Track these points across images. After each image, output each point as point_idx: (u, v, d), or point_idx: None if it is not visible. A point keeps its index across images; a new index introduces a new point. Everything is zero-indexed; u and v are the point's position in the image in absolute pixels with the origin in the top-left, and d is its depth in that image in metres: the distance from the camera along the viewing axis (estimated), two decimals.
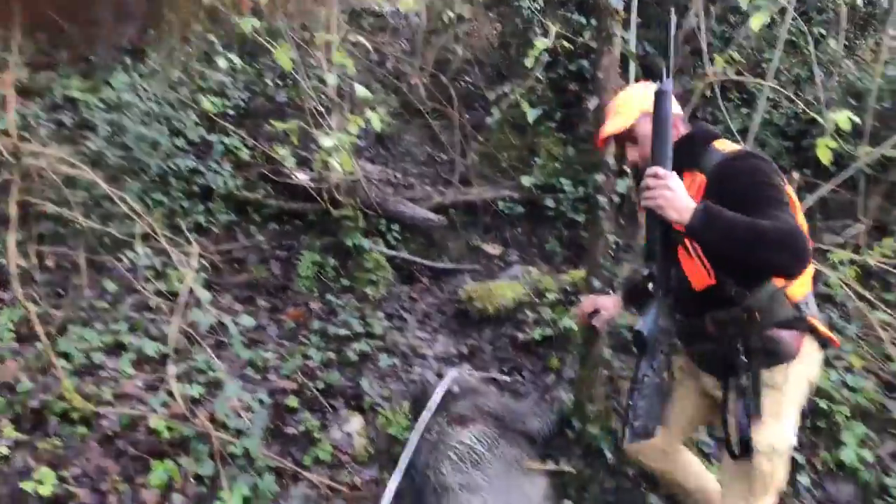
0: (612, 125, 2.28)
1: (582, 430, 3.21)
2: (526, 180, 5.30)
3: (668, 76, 2.01)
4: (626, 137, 2.27)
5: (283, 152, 5.08)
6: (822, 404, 3.50)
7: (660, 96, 1.99)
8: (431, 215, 5.12)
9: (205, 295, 2.70)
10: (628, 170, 2.55)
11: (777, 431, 2.13)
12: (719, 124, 5.30)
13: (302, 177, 4.92)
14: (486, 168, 5.72)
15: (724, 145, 2.15)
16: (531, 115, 4.72)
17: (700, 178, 2.08)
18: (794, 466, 3.27)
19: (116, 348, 3.35)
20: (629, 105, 2.28)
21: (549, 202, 5.26)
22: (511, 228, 5.43)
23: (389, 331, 4.20)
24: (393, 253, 4.90)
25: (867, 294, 3.82)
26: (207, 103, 4.53)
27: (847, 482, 3.32)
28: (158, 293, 3.81)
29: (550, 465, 3.13)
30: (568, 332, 3.95)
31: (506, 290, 4.40)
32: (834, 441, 3.44)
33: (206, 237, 4.58)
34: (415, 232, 5.14)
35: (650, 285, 2.11)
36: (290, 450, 3.06)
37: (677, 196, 1.89)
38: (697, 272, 2.12)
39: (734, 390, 2.13)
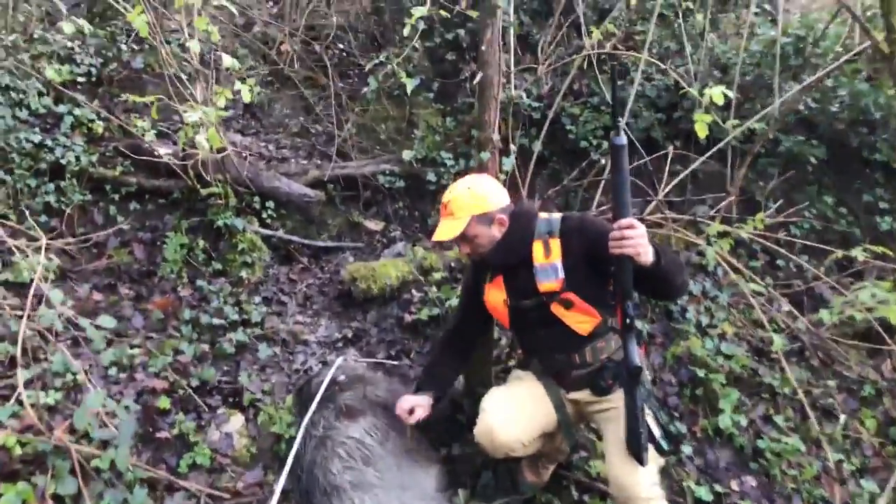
0: (448, 231, 2.52)
1: (473, 414, 3.14)
2: (407, 154, 5.13)
3: (618, 133, 2.15)
4: (458, 238, 2.54)
5: (142, 125, 4.68)
6: (700, 373, 3.63)
7: (616, 151, 2.15)
8: (308, 191, 4.86)
9: (57, 296, 2.39)
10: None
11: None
12: (595, 96, 5.36)
13: (165, 152, 4.54)
14: (364, 140, 5.49)
15: (545, 214, 2.59)
16: (410, 84, 4.54)
17: (553, 241, 2.50)
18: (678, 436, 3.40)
19: None
20: (461, 210, 2.52)
21: (431, 176, 5.13)
22: (392, 203, 5.26)
23: (268, 317, 3.99)
24: (268, 232, 4.62)
25: (739, 265, 3.98)
26: (51, 71, 4.04)
27: (725, 447, 3.47)
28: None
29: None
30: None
31: (390, 268, 4.26)
32: (711, 408, 3.58)
33: (58, 220, 4.15)
34: (291, 209, 4.86)
35: (627, 321, 2.29)
36: (164, 456, 2.82)
37: (646, 240, 2.15)
38: (581, 320, 2.51)
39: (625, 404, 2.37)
